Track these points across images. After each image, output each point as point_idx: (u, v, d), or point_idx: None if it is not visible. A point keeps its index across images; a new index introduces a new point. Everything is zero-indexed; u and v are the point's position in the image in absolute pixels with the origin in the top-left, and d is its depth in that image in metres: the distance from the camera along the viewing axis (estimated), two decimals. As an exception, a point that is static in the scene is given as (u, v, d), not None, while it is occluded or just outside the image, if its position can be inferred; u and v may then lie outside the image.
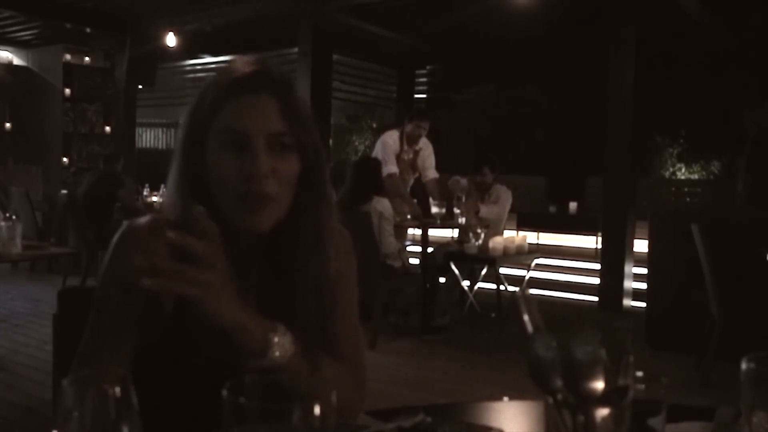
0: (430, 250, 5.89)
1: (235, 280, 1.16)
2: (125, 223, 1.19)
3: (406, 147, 6.27)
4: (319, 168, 1.19)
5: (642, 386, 0.73)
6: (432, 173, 6.49)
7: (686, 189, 11.52)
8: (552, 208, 10.06)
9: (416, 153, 6.33)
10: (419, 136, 6.25)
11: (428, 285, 5.72)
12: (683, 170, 11.93)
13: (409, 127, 6.23)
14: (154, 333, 1.12)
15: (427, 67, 12.25)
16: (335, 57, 8.92)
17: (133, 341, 1.11)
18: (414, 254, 6.49)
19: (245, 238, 1.16)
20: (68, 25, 9.20)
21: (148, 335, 1.12)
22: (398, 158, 6.19)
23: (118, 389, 0.65)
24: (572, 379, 0.69)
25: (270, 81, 1.13)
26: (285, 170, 1.12)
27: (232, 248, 1.16)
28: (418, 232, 6.62)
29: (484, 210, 5.91)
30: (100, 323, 1.12)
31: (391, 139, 6.34)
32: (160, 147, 16.41)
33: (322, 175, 1.20)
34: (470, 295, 5.82)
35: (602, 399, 0.69)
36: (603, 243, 6.27)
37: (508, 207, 6.09)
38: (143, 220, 1.18)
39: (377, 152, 6.27)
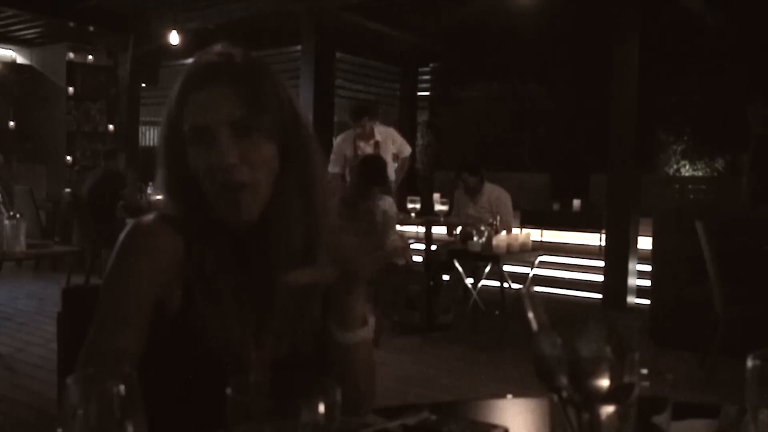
0: (433, 247, 5.89)
1: (242, 271, 1.16)
2: (133, 220, 1.19)
3: (361, 144, 6.30)
4: (299, 148, 1.16)
5: (647, 384, 0.73)
6: (405, 153, 6.58)
7: (690, 186, 11.50)
8: (556, 206, 10.06)
9: (376, 145, 6.33)
10: (363, 133, 6.28)
11: (432, 282, 5.72)
12: (687, 167, 11.91)
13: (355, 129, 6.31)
14: (160, 332, 1.12)
15: (431, 65, 12.25)
16: (338, 55, 8.94)
17: (139, 340, 1.11)
18: (417, 252, 6.49)
19: (238, 228, 1.15)
20: (71, 24, 9.21)
21: (153, 334, 1.12)
22: (356, 156, 6.15)
23: (122, 387, 0.65)
24: (577, 377, 0.69)
25: (226, 69, 1.12)
26: (256, 155, 1.11)
27: (233, 239, 1.16)
28: (421, 229, 6.63)
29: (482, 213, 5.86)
30: (106, 321, 1.12)
31: (341, 140, 6.43)
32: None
33: (304, 156, 1.17)
34: (474, 293, 5.81)
35: (607, 396, 0.69)
36: (607, 240, 6.28)
37: (507, 213, 6.02)
38: (150, 217, 1.18)
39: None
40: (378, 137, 6.36)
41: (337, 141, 6.49)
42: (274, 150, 1.13)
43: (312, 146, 1.19)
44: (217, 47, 1.17)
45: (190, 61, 1.20)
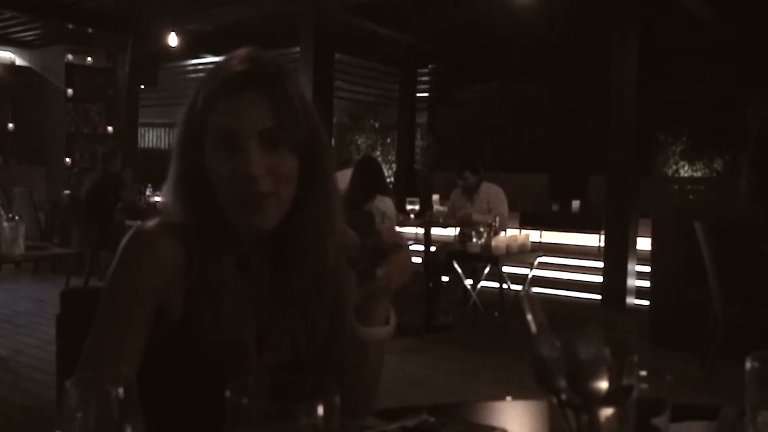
0: (432, 249, 5.89)
1: (244, 277, 1.16)
2: (135, 226, 1.19)
3: None
4: (318, 162, 1.17)
5: (646, 385, 0.73)
6: None
7: (689, 187, 11.51)
8: (555, 207, 10.07)
9: None
10: None
11: (431, 284, 5.72)
12: (686, 168, 11.92)
13: None
14: (161, 338, 1.12)
15: (430, 66, 12.25)
16: (337, 56, 8.94)
17: (139, 345, 1.11)
18: (417, 253, 6.49)
19: (251, 235, 1.16)
20: (70, 26, 9.21)
21: (154, 340, 1.12)
22: None
23: (121, 390, 0.64)
24: (576, 379, 0.69)
25: (260, 78, 1.12)
26: (281, 167, 1.11)
27: (239, 246, 1.16)
28: (421, 230, 6.63)
29: (477, 216, 5.91)
30: (106, 325, 1.12)
31: None
32: (162, 147, 16.45)
33: (322, 170, 1.18)
34: (473, 294, 5.82)
35: (606, 398, 0.69)
36: (606, 241, 6.27)
37: (503, 208, 6.05)
38: (152, 223, 1.18)
39: None
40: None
41: None
42: (297, 163, 1.14)
43: (329, 160, 1.21)
44: (246, 51, 1.16)
45: (216, 61, 1.18)
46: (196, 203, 1.15)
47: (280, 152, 1.11)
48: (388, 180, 10.03)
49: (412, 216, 6.16)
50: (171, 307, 1.13)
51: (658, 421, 0.74)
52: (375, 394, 1.20)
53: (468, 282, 5.88)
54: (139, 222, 1.21)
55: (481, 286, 5.99)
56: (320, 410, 0.61)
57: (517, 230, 7.17)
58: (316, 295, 1.19)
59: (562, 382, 0.69)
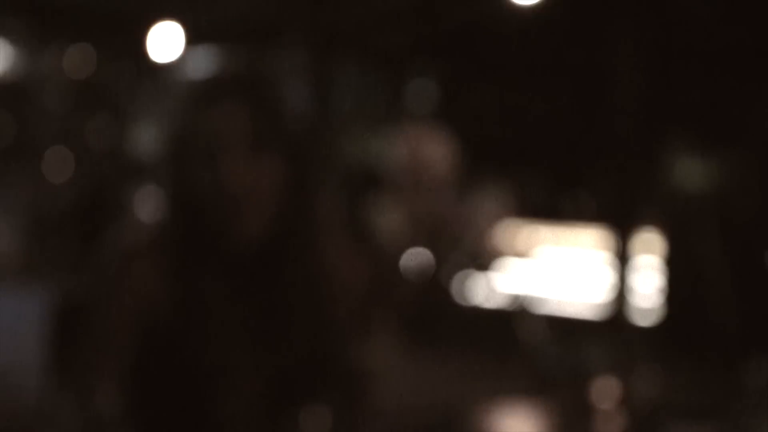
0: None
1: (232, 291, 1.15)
2: (118, 239, 1.19)
3: None
4: (303, 167, 1.17)
5: (644, 387, 0.73)
6: None
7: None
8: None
9: None
10: None
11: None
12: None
13: None
14: (150, 350, 1.11)
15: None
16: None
17: (125, 351, 1.10)
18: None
19: (240, 245, 1.15)
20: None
21: (144, 351, 1.11)
22: None
23: (108, 396, 0.64)
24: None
25: (241, 86, 1.13)
26: (266, 172, 1.11)
27: (225, 259, 1.15)
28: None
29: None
30: (91, 332, 1.11)
31: None
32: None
33: (310, 176, 1.19)
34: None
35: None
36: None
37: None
38: (135, 237, 1.19)
39: None
40: None
41: None
42: (281, 170, 1.13)
43: (315, 168, 1.22)
44: (234, 56, 1.17)
45: (200, 70, 1.19)
46: (181, 216, 1.14)
47: (264, 158, 1.11)
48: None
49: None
50: (155, 320, 1.12)
51: (657, 422, 0.73)
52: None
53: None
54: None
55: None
56: (313, 417, 0.61)
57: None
58: (306, 306, 1.17)
59: (559, 384, 0.69)
